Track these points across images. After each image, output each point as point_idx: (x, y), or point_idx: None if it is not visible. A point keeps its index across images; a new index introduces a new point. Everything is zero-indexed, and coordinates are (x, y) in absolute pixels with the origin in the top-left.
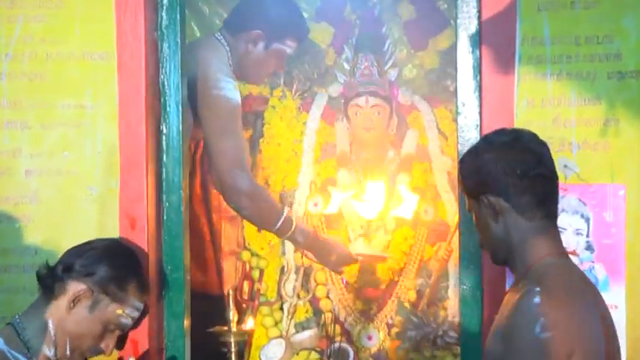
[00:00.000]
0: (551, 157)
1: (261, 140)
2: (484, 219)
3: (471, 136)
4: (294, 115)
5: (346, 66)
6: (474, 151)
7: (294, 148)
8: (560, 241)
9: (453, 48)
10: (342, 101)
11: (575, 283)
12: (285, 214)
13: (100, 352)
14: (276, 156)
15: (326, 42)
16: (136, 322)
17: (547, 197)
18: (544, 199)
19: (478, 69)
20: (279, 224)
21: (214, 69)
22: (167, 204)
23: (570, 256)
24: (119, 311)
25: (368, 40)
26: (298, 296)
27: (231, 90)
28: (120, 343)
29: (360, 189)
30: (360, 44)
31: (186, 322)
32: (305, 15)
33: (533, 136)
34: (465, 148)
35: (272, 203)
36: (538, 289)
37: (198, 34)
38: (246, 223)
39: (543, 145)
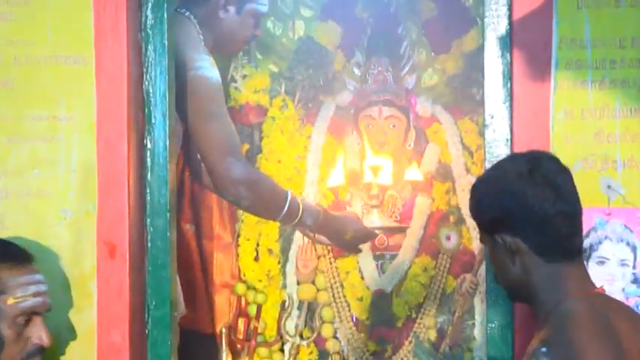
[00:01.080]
0: (573, 186)
1: (259, 156)
2: (500, 258)
3: (500, 153)
4: (297, 127)
5: (357, 71)
6: (486, 183)
7: (297, 166)
8: (587, 278)
9: (480, 51)
10: (352, 112)
11: (603, 324)
12: (290, 197)
13: (39, 348)
14: (276, 174)
15: (333, 43)
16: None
17: (570, 234)
18: (566, 237)
19: (508, 75)
20: (284, 210)
21: (185, 48)
22: (151, 229)
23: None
24: (10, 301)
25: (382, 41)
26: (301, 336)
27: (207, 68)
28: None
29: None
30: (373, 46)
31: None
32: (309, 13)
33: (554, 164)
34: None
35: (274, 188)
36: (545, 349)
37: None
38: (241, 251)
39: (565, 174)
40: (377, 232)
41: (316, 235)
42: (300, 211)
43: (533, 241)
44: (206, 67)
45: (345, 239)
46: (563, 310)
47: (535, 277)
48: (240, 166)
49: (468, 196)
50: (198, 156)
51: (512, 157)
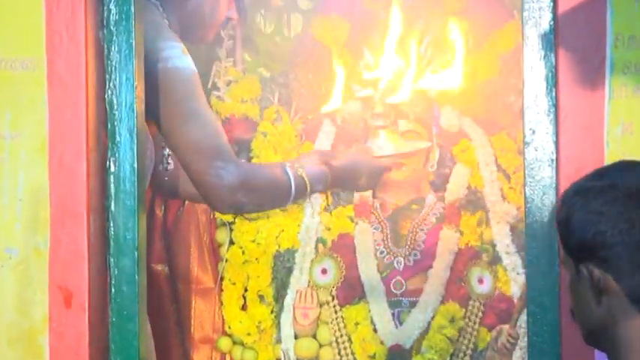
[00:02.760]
0: None
1: None
2: (581, 293)
3: (543, 176)
4: (294, 145)
5: (366, 76)
6: (583, 195)
7: None
8: None
9: (518, 51)
10: (362, 126)
11: None
12: (292, 177)
13: None
14: None
15: (339, 42)
16: None
17: None
18: None
19: (553, 81)
20: (292, 194)
21: (150, 36)
22: (116, 271)
23: None
24: None
25: (397, 38)
26: None
27: (179, 57)
28: None
29: (387, 251)
30: (387, 45)
31: None
32: (308, 5)
33: None
34: (534, 192)
35: (274, 176)
36: None
37: None
38: (226, 297)
39: None
40: (391, 161)
41: (330, 193)
42: (308, 185)
43: (629, 283)
44: (177, 57)
45: (361, 184)
46: None
47: (623, 329)
48: (232, 170)
49: (506, 228)
50: (163, 164)
51: (624, 167)
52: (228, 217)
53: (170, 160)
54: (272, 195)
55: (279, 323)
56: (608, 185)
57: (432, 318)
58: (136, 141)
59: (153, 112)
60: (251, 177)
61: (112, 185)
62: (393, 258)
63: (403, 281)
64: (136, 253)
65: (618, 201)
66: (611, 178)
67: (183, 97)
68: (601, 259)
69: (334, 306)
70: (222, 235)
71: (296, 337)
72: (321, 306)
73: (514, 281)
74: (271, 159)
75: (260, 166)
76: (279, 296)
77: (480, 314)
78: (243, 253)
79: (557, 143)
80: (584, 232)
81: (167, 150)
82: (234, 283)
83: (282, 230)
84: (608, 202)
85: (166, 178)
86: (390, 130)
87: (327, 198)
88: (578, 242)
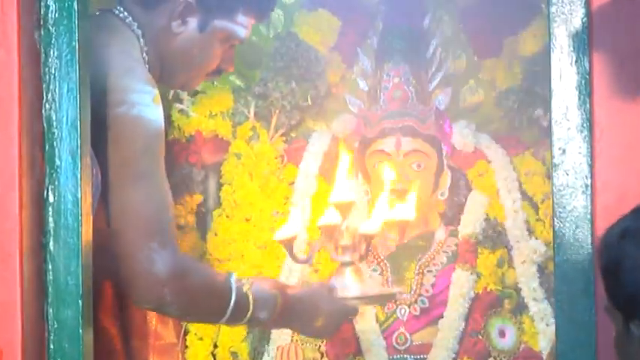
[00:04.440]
0: None
1: (215, 213)
2: (631, 354)
3: (575, 205)
4: (274, 169)
5: (362, 84)
6: (635, 240)
7: (274, 227)
8: None
9: (545, 54)
10: (357, 145)
11: None
12: (234, 288)
13: None
14: (242, 239)
15: (327, 43)
16: None
17: None
18: None
19: (587, 90)
20: (229, 309)
21: (117, 70)
22: (55, 324)
23: None
24: None
25: (400, 39)
26: None
27: (148, 106)
28: None
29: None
30: (387, 47)
31: None
32: None
33: None
34: (565, 225)
35: (212, 280)
36: None
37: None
38: (190, 357)
39: None
40: (358, 303)
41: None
42: (250, 306)
43: None
44: (146, 105)
45: (317, 327)
46: None
47: None
48: (167, 258)
49: (532, 269)
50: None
51: None
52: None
53: None
54: (203, 303)
55: None
56: None
57: None
58: (79, 165)
59: (97, 160)
60: (186, 273)
61: (51, 219)
62: (395, 306)
63: (408, 335)
64: (80, 302)
65: None
66: None
67: (139, 154)
68: None
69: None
70: None
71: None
72: None
73: (543, 334)
74: (246, 186)
75: (201, 266)
76: (256, 354)
77: None
78: None
79: (592, 166)
80: (637, 285)
81: None
82: (201, 338)
83: (260, 273)
84: None
85: None
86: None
87: (314, 233)
88: (630, 296)
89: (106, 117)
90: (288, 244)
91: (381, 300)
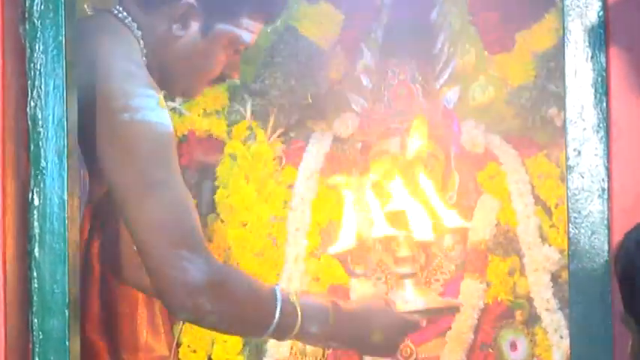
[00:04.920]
0: None
1: (210, 218)
2: None
3: (591, 210)
4: (271, 171)
5: (366, 81)
6: None
7: (272, 232)
8: None
9: (559, 50)
10: (360, 146)
11: None
12: (280, 298)
13: None
14: (238, 245)
15: (329, 38)
16: None
17: None
18: None
19: (604, 88)
20: (275, 321)
21: (118, 75)
22: (41, 335)
23: None
24: None
25: (406, 33)
26: None
27: (153, 109)
28: None
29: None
30: (392, 42)
31: None
32: None
33: None
34: (580, 231)
35: (254, 287)
36: None
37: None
38: None
39: None
40: (420, 317)
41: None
42: (299, 317)
43: None
44: (151, 109)
45: (374, 343)
46: None
47: None
48: (200, 264)
49: (546, 278)
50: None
51: None
52: None
53: None
54: (246, 312)
55: None
56: None
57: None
58: (66, 166)
59: (105, 172)
60: (224, 279)
61: (36, 224)
62: None
63: (413, 347)
64: (66, 312)
65: None
66: None
67: (150, 160)
68: None
69: None
70: None
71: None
72: None
73: (557, 347)
74: (242, 190)
75: (239, 272)
76: None
77: None
78: None
79: (608, 168)
80: None
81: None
82: (194, 351)
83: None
84: None
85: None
86: (416, 282)
87: (314, 239)
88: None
89: (111, 125)
90: (343, 258)
91: (444, 312)
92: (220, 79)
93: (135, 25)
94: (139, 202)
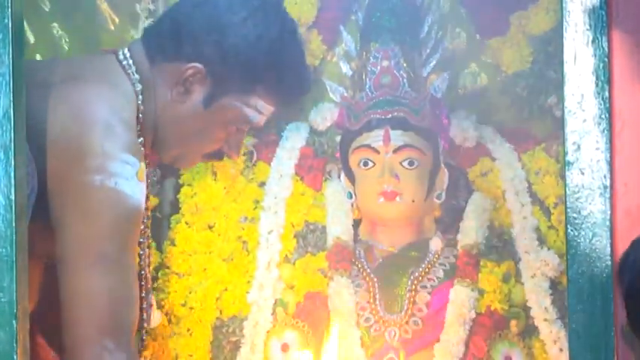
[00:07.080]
0: None
1: (173, 219)
2: None
3: (592, 210)
4: (241, 169)
5: (345, 68)
6: None
7: (242, 235)
8: None
9: (557, 32)
10: (339, 139)
11: None
12: None
13: None
14: (204, 250)
15: (304, 20)
16: None
17: None
18: None
19: (605, 75)
20: None
21: (100, 131)
22: None
23: None
24: None
25: (389, 14)
26: None
27: (129, 180)
28: None
29: (375, 318)
30: (375, 24)
31: None
32: None
33: None
34: (580, 233)
35: None
36: None
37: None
38: None
39: None
40: None
41: None
42: None
43: None
44: (127, 178)
45: None
46: None
47: None
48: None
49: (544, 285)
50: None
51: None
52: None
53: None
54: None
55: None
56: None
57: None
58: (13, 163)
59: (57, 227)
60: None
61: None
62: (383, 328)
63: None
64: (14, 323)
65: None
66: None
67: (106, 231)
68: None
69: None
70: None
71: None
72: None
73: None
74: (209, 189)
75: None
76: None
77: None
78: (170, 321)
79: (611, 163)
80: None
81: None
82: None
83: (226, 289)
84: None
85: None
86: None
87: (288, 242)
88: None
89: (77, 182)
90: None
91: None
92: (217, 156)
93: (137, 77)
94: (82, 269)
